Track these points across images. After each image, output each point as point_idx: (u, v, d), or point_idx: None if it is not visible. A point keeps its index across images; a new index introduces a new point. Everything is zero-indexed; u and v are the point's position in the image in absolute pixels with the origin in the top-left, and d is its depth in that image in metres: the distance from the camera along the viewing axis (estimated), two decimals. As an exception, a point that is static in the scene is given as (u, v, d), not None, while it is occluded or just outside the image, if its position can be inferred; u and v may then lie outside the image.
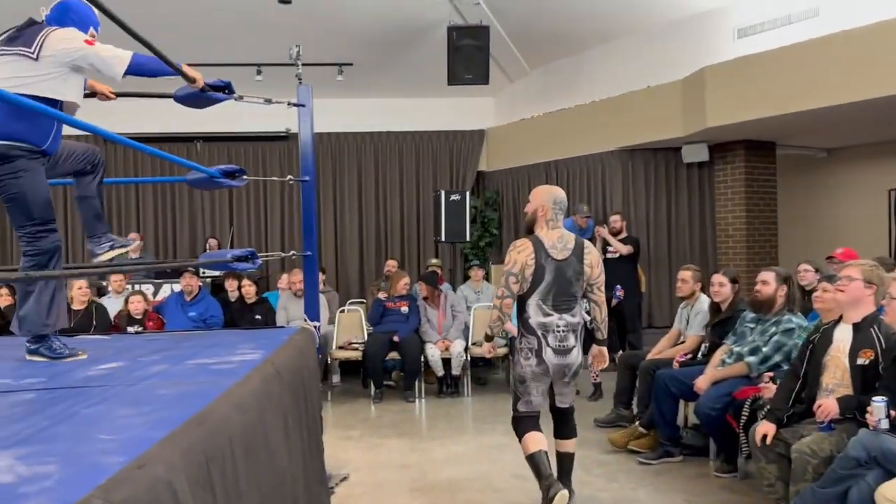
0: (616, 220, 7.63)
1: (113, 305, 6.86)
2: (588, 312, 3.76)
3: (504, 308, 3.50)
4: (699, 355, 4.83)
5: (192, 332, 4.74)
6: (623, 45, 8.41)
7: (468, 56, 7.85)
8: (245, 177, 3.64)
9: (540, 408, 3.58)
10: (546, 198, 3.57)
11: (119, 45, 2.90)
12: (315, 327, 3.99)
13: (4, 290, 6.49)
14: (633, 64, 8.30)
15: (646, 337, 7.37)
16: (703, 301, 5.09)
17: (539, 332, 3.46)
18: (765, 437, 3.39)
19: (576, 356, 3.53)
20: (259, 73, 8.66)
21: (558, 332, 3.46)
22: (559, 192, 3.64)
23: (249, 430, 2.07)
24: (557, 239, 3.49)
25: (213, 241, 8.52)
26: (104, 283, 7.36)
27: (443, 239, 8.44)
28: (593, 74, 8.74)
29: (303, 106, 3.99)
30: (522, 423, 3.58)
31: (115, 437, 1.66)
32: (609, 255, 7.54)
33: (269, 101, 3.87)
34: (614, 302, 6.47)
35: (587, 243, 3.61)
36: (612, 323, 6.65)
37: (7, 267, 6.22)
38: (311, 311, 4.06)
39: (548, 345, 3.46)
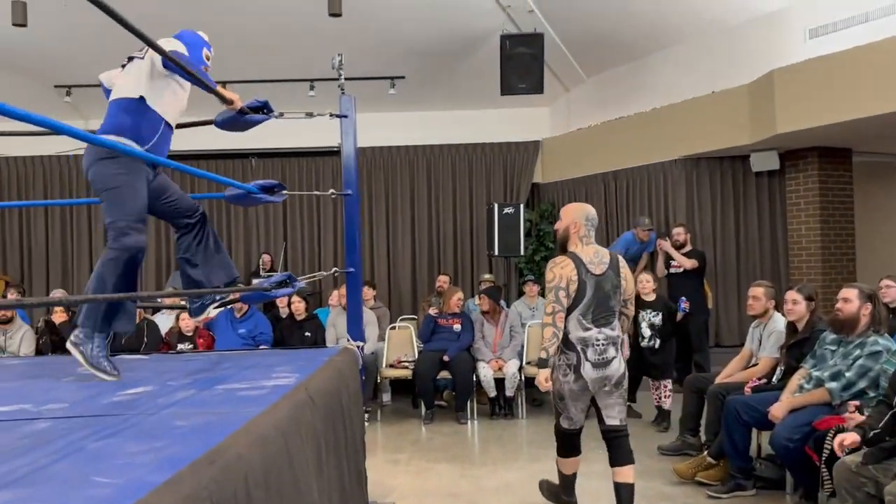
0: (680, 233, 7.25)
1: (165, 322, 6.86)
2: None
3: (557, 321, 3.43)
4: (774, 379, 4.45)
5: (234, 352, 4.62)
6: (684, 49, 8.05)
7: (522, 65, 7.63)
8: (285, 192, 3.50)
9: (581, 423, 3.62)
10: (578, 214, 3.59)
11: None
12: (358, 346, 3.80)
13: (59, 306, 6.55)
14: (695, 69, 7.93)
15: (713, 357, 6.95)
16: (778, 320, 4.71)
17: (579, 347, 3.45)
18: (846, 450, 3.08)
19: (616, 367, 3.50)
20: (312, 88, 8.62)
21: (598, 345, 3.45)
22: (591, 209, 3.66)
23: (271, 466, 1.89)
24: (594, 254, 3.51)
25: (266, 258, 8.49)
26: (157, 300, 7.37)
27: (496, 253, 8.20)
28: (653, 81, 8.39)
29: (345, 117, 3.83)
30: (565, 439, 3.67)
31: (113, 480, 1.50)
32: (673, 270, 7.17)
33: (310, 115, 3.73)
34: (679, 316, 6.10)
35: (620, 258, 3.64)
36: (677, 342, 6.29)
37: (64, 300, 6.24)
38: (355, 330, 3.88)
39: (586, 359, 3.45)
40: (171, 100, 2.96)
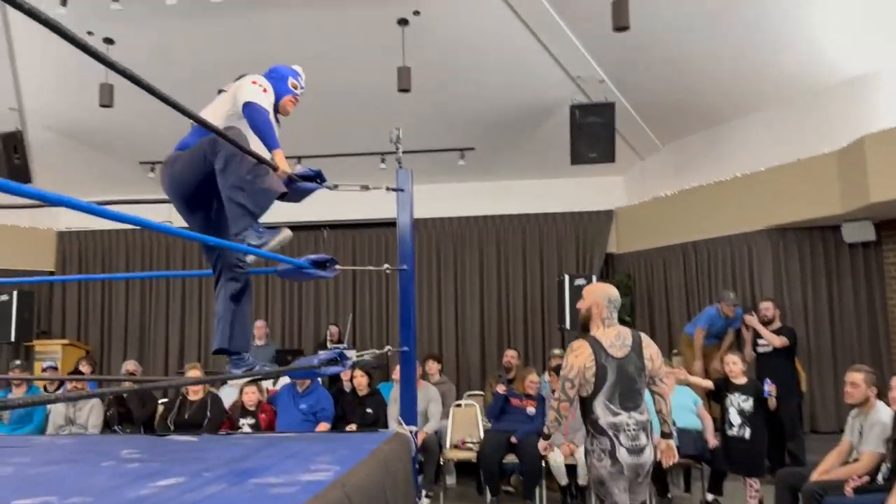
0: (768, 308, 6.75)
1: (229, 395, 6.81)
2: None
3: (561, 410, 3.46)
4: (879, 478, 3.93)
5: (282, 435, 4.46)
6: (765, 115, 7.70)
7: (592, 134, 7.46)
8: (338, 266, 3.37)
9: None
10: (601, 295, 3.57)
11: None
12: (411, 431, 3.57)
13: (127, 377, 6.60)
14: (778, 135, 7.55)
15: (809, 444, 6.33)
16: (881, 410, 4.20)
17: (610, 433, 3.37)
18: None
19: (648, 455, 3.42)
20: (383, 161, 8.68)
21: (629, 430, 3.37)
22: (613, 291, 3.63)
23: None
24: (615, 337, 3.46)
25: (333, 329, 8.41)
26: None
27: (568, 327, 7.86)
28: (733, 148, 8.04)
29: (401, 191, 3.71)
30: None
31: None
32: (761, 349, 6.66)
33: (365, 188, 3.64)
34: (772, 403, 5.55)
35: (645, 336, 3.57)
36: (768, 428, 5.73)
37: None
38: (408, 413, 3.65)
39: (621, 444, 3.36)
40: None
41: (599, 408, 3.38)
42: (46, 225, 9.74)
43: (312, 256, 3.22)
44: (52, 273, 9.61)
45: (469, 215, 9.48)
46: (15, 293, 8.58)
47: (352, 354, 3.35)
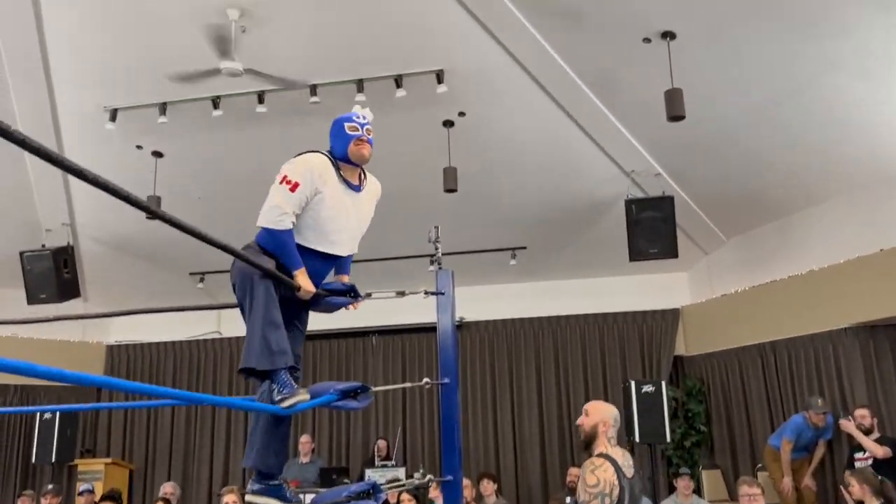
0: (864, 416, 6.00)
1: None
2: None
3: None
4: None
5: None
6: (838, 203, 7.16)
7: (651, 229, 7.02)
8: (371, 394, 2.96)
9: None
10: (607, 413, 3.38)
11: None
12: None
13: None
14: (856, 225, 6.98)
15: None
16: None
17: None
18: None
19: None
20: (432, 263, 8.37)
21: None
22: (615, 410, 3.45)
23: None
24: (622, 456, 3.24)
25: (381, 443, 7.89)
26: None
27: (637, 440, 7.15)
28: (806, 240, 7.47)
29: (442, 294, 3.32)
30: None
31: None
32: (859, 463, 5.86)
33: (401, 294, 3.28)
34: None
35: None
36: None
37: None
38: (455, 555, 3.11)
39: None
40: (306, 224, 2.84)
41: None
42: (97, 339, 9.68)
43: (341, 386, 2.82)
44: (99, 390, 9.42)
45: (523, 317, 9.00)
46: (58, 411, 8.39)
47: (397, 475, 2.90)
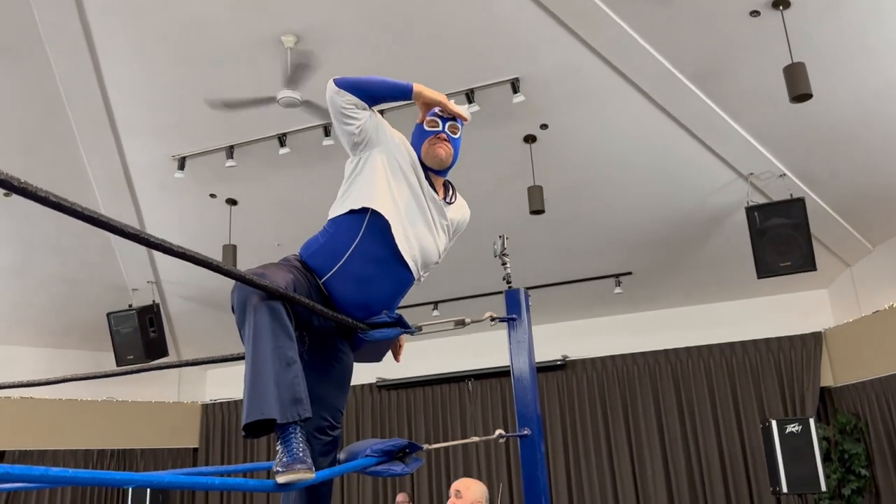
0: None
1: None
2: None
3: None
4: None
5: None
6: None
7: (781, 239, 5.99)
8: (422, 455, 2.25)
9: None
10: (479, 492, 3.27)
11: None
12: None
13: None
14: None
15: None
16: None
17: None
18: None
19: None
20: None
21: None
22: (484, 486, 3.28)
23: None
24: None
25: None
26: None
27: (785, 490, 6.00)
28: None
29: (513, 319, 2.59)
30: None
31: None
32: None
33: (461, 324, 2.55)
34: None
35: None
36: None
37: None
38: None
39: None
40: None
41: None
42: (192, 398, 9.48)
43: (379, 445, 2.12)
44: (195, 450, 9.18)
45: (636, 351, 8.02)
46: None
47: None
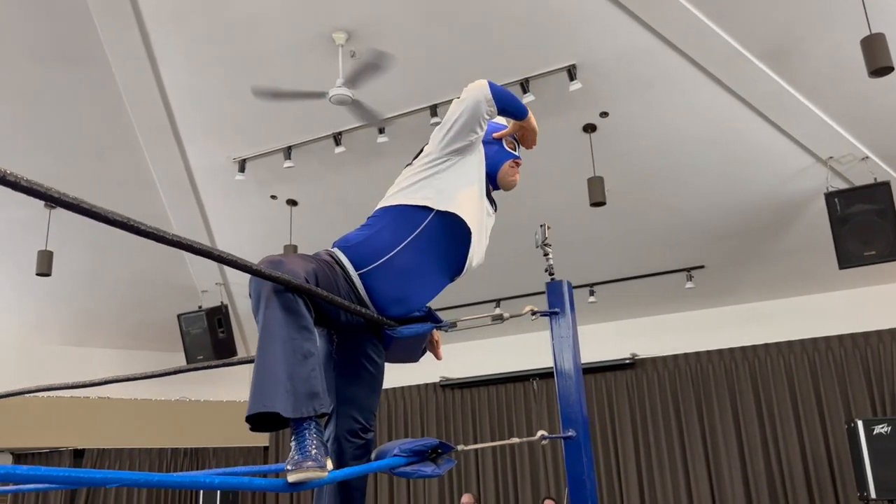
0: None
1: None
2: None
3: None
4: None
5: None
6: None
7: (864, 226, 5.57)
8: (453, 456, 2.12)
9: None
10: None
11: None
12: None
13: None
14: None
15: None
16: None
17: None
18: None
19: None
20: (592, 293, 7.39)
21: None
22: None
23: None
24: None
25: (549, 503, 6.89)
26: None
27: (873, 495, 5.58)
28: None
29: (555, 313, 2.43)
30: None
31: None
32: None
33: (498, 319, 2.41)
34: None
35: None
36: None
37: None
38: None
39: None
40: None
41: None
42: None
43: (408, 445, 2.00)
44: (266, 448, 9.33)
45: (710, 349, 7.65)
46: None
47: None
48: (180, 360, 7.95)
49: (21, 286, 7.61)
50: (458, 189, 2.05)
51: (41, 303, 7.93)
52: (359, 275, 2.01)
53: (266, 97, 5.45)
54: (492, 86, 2.01)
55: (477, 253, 2.16)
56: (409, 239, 2.01)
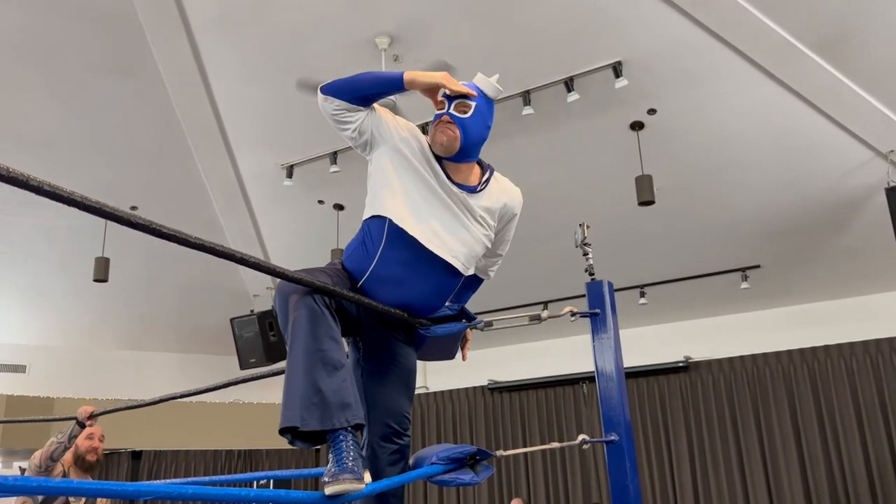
0: None
1: None
2: None
3: None
4: None
5: None
6: None
7: (931, 221, 5.32)
8: (492, 463, 2.09)
9: None
10: None
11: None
12: None
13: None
14: None
15: None
16: None
17: None
18: None
19: None
20: (642, 294, 7.25)
21: None
22: None
23: None
24: None
25: (598, 509, 6.78)
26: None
27: (946, 506, 5.30)
28: None
29: (596, 314, 2.37)
30: None
31: None
32: None
33: (537, 319, 2.36)
34: None
35: None
36: None
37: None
38: None
39: None
40: None
41: None
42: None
43: (447, 452, 1.97)
44: (317, 450, 9.42)
45: (767, 351, 7.41)
46: (270, 483, 8.40)
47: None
48: (233, 363, 8.09)
49: (80, 292, 7.87)
50: (381, 188, 2.00)
51: (99, 308, 8.19)
52: (360, 286, 2.01)
53: (310, 90, 5.51)
54: (324, 86, 1.98)
55: (455, 241, 2.00)
56: (381, 248, 1.97)
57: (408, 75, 1.95)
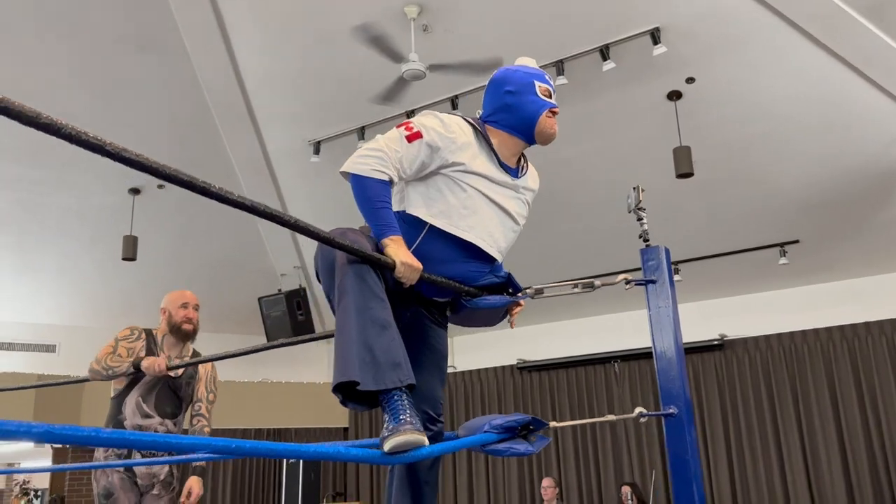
0: None
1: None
2: None
3: None
4: None
5: None
6: None
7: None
8: (548, 432, 1.98)
9: None
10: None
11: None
12: None
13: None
14: None
15: None
16: None
17: None
18: None
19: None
20: (677, 271, 7.08)
21: None
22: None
23: None
24: None
25: (625, 490, 6.63)
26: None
27: None
28: None
29: (652, 282, 2.24)
30: None
31: None
32: None
33: (590, 287, 2.24)
34: None
35: None
36: None
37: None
38: None
39: None
40: None
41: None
42: (340, 379, 9.72)
43: (499, 420, 1.88)
44: (346, 429, 9.41)
45: (806, 328, 7.22)
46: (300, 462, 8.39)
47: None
48: (261, 341, 8.06)
49: (108, 272, 7.87)
50: (428, 197, 1.98)
51: (127, 288, 8.19)
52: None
53: (376, 102, 5.51)
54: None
55: (503, 238, 2.05)
56: (419, 239, 1.95)
57: (388, 248, 1.80)
